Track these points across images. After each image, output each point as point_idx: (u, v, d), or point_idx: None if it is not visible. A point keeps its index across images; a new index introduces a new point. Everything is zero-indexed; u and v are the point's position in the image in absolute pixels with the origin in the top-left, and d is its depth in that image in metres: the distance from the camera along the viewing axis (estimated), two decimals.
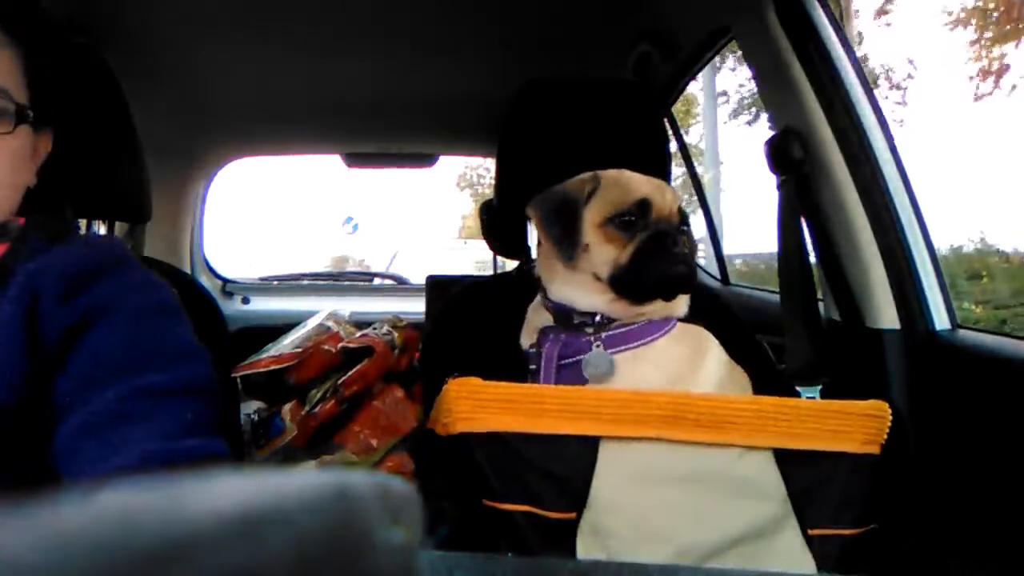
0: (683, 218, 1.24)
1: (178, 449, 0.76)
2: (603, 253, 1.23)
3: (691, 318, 1.30)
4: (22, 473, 0.78)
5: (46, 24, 0.97)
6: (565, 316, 1.26)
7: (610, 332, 1.23)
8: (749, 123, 13.47)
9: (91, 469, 0.74)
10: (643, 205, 1.22)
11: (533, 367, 1.26)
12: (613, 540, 1.03)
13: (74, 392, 0.79)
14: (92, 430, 0.76)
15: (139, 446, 0.74)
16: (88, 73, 1.14)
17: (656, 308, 1.24)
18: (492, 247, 2.15)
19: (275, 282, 3.43)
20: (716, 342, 1.28)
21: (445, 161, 3.11)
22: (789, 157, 1.40)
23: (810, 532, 1.06)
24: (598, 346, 1.22)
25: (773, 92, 1.53)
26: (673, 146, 1.98)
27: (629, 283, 1.21)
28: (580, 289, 1.26)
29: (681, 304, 1.28)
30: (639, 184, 1.25)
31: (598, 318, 1.23)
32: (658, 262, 1.19)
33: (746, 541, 1.05)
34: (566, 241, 1.25)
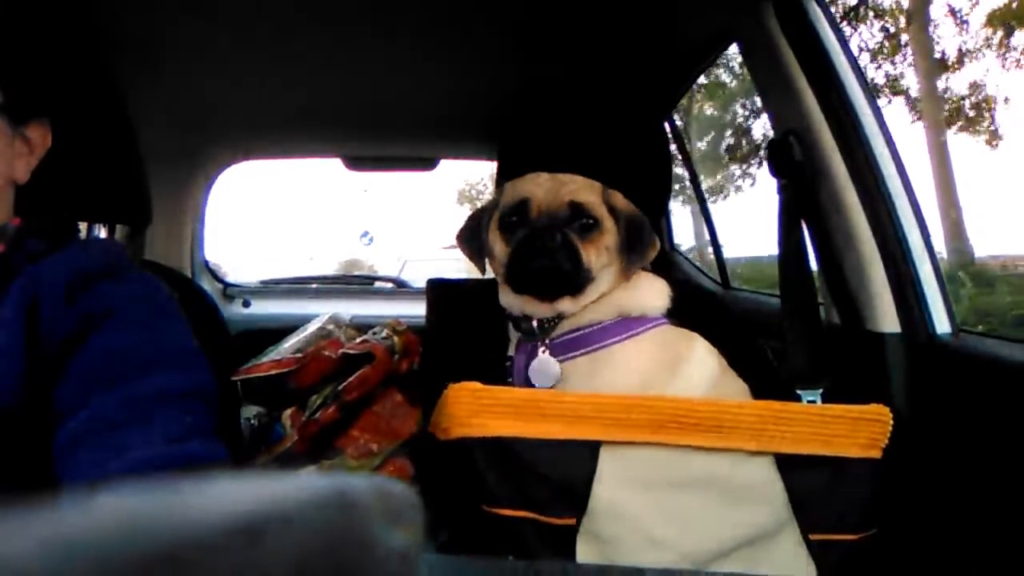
0: (575, 212, 1.24)
1: (179, 453, 0.75)
2: (499, 256, 1.27)
3: (687, 321, 1.30)
4: (26, 478, 0.78)
5: (20, 14, 0.95)
6: (517, 323, 1.30)
7: (558, 337, 1.25)
8: None
9: (91, 473, 0.74)
10: (522, 205, 1.25)
11: (510, 380, 1.28)
12: (613, 545, 1.03)
13: (74, 397, 0.78)
14: (93, 434, 0.76)
15: (140, 450, 0.74)
16: (82, 72, 1.14)
17: (590, 303, 1.25)
18: None
19: (275, 285, 3.43)
20: (705, 348, 1.27)
21: (446, 178, 3.12)
22: (790, 160, 1.40)
23: (811, 537, 1.06)
24: (544, 352, 1.24)
25: (774, 95, 1.53)
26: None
27: (513, 280, 1.26)
28: (503, 293, 1.31)
29: (646, 299, 1.28)
30: (525, 184, 1.28)
31: (535, 322, 1.26)
32: (528, 258, 1.22)
33: (746, 546, 1.05)
34: (475, 254, 1.32)
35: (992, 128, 11.24)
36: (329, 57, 1.99)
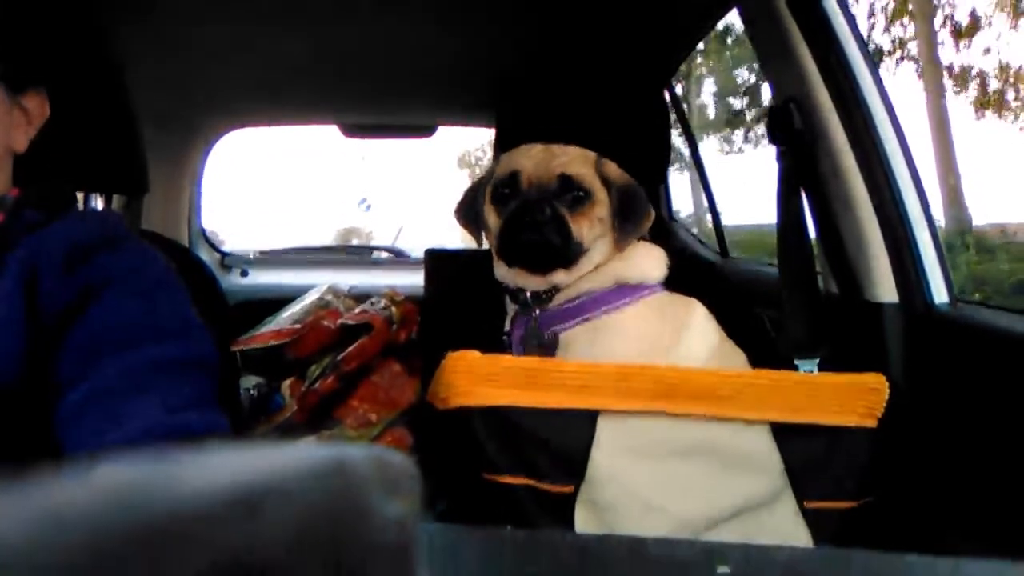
0: (565, 184, 1.24)
1: (178, 423, 0.75)
2: (491, 228, 1.28)
3: (686, 290, 1.30)
4: (29, 452, 0.78)
5: None
6: (513, 295, 1.30)
7: (554, 307, 1.25)
8: None
9: (91, 443, 0.74)
10: (513, 177, 1.25)
11: (508, 352, 1.29)
12: (611, 513, 1.04)
13: (74, 369, 0.78)
14: (92, 405, 0.76)
15: (139, 420, 0.74)
16: (79, 40, 1.13)
17: (586, 274, 1.26)
18: None
19: (273, 255, 3.42)
20: (705, 315, 1.28)
21: (446, 143, 3.10)
22: (789, 127, 1.40)
23: (807, 505, 1.07)
24: (535, 321, 1.25)
25: (775, 62, 1.51)
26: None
27: (505, 254, 1.26)
28: (497, 266, 1.31)
29: (644, 268, 1.28)
30: (517, 156, 1.28)
31: (528, 294, 1.27)
32: (517, 232, 1.22)
33: (743, 514, 1.06)
34: (472, 225, 1.33)
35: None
36: (327, 23, 1.97)
